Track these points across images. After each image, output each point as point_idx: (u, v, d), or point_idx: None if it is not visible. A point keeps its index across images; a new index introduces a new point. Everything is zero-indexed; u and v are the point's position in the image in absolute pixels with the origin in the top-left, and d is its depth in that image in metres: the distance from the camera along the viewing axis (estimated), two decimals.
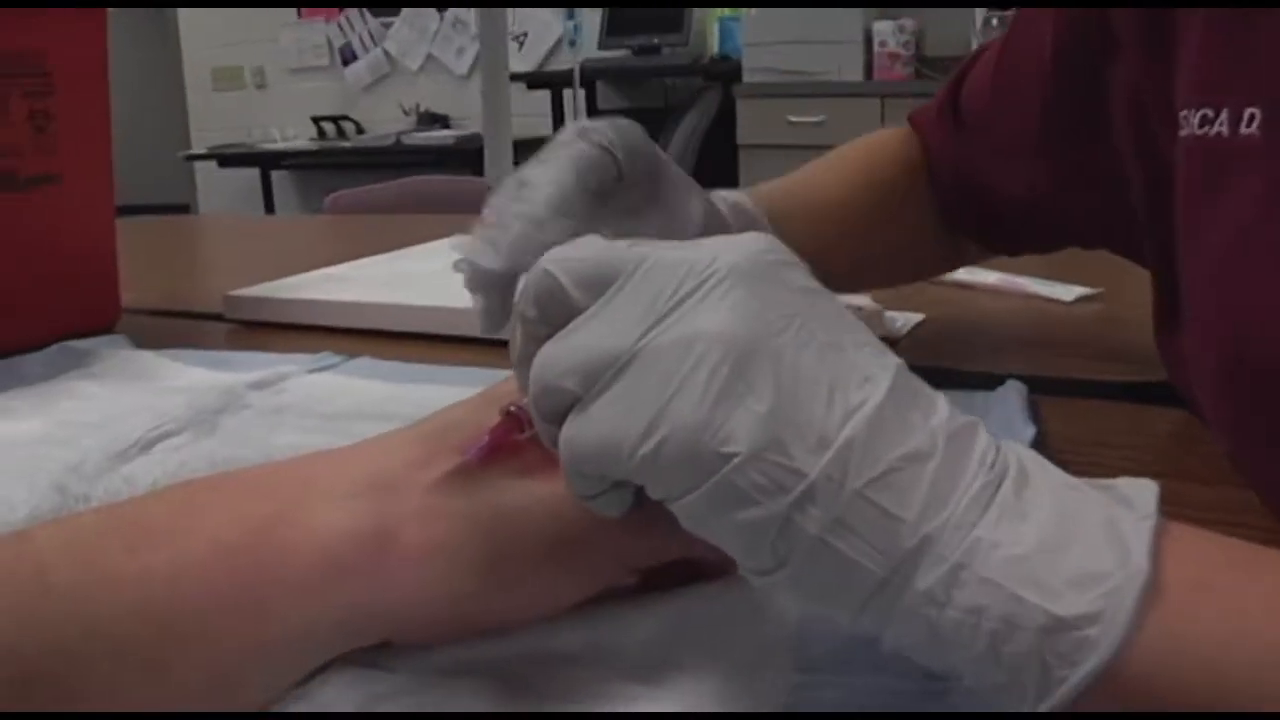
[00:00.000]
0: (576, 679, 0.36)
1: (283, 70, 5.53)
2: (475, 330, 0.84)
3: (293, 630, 0.34)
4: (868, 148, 0.77)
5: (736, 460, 0.30)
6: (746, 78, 4.07)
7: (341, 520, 0.35)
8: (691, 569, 0.39)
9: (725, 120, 4.16)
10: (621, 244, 0.34)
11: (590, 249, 0.34)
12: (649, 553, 0.38)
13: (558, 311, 0.34)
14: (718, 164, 4.00)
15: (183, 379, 0.73)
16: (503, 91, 1.02)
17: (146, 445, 0.58)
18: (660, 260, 0.33)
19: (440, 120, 5.01)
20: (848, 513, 0.30)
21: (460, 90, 5.05)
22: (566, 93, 4.30)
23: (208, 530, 0.34)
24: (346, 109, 5.34)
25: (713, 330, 0.31)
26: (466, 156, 4.41)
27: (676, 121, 4.16)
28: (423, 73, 5.16)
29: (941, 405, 0.32)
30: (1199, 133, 0.47)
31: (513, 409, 0.38)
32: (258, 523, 0.34)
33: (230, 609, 0.33)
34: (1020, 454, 0.32)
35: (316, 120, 5.26)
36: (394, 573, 0.34)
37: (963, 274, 0.98)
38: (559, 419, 0.33)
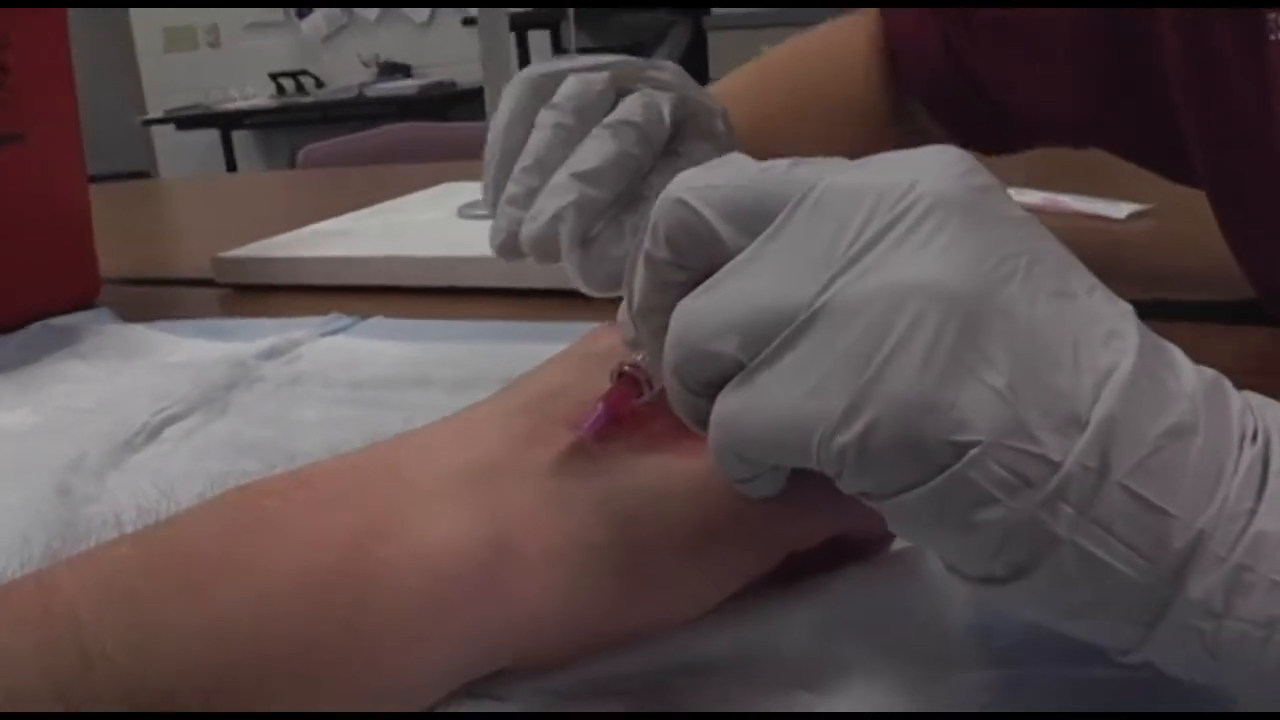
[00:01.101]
0: (730, 690, 0.30)
1: (236, 27, 5.35)
2: (489, 280, 0.79)
3: (403, 675, 0.27)
4: (830, 55, 0.73)
5: (975, 451, 0.23)
6: (716, 9, 3.97)
7: (447, 529, 0.28)
8: (837, 545, 0.33)
9: (696, 55, 4.07)
10: (778, 164, 0.27)
11: (737, 171, 0.27)
12: (803, 536, 0.32)
13: (700, 252, 0.27)
14: None
15: (181, 353, 0.66)
16: (502, 36, 0.94)
17: (153, 432, 0.51)
18: (837, 186, 0.26)
19: (402, 70, 4.88)
20: (1106, 508, 0.23)
21: (421, 38, 4.92)
22: (532, 34, 4.19)
23: (285, 556, 0.27)
24: (305, 63, 5.19)
25: (928, 280, 0.24)
26: (432, 105, 4.30)
27: (646, 59, 4.07)
28: (381, 23, 5.01)
29: (1183, 359, 0.26)
30: None
31: (627, 368, 0.31)
32: (345, 541, 0.28)
33: (324, 659, 0.26)
34: (1258, 407, 0.25)
35: (275, 77, 5.11)
36: (516, 587, 0.28)
37: None
38: (710, 390, 0.27)
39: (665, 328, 0.28)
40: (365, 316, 0.72)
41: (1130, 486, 0.23)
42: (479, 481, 0.29)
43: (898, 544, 0.35)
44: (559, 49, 4.13)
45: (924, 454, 0.23)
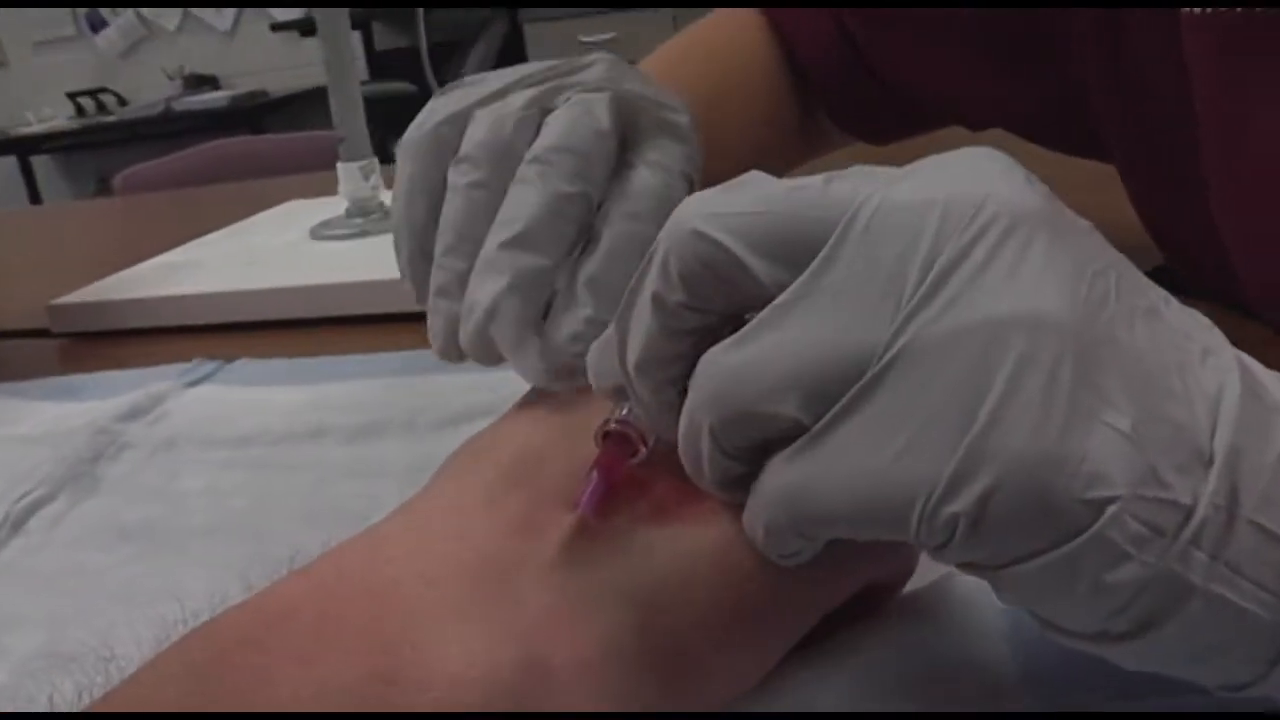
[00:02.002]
0: None
1: (24, 45, 5.04)
2: (370, 307, 0.73)
3: None
4: (722, 49, 0.68)
5: (1114, 508, 0.20)
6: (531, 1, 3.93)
7: (466, 657, 0.23)
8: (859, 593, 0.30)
9: (514, 49, 4.02)
10: (809, 182, 0.23)
11: (762, 193, 0.23)
12: (836, 595, 0.28)
13: (725, 293, 0.23)
14: None
15: (28, 421, 0.58)
16: (343, 39, 0.87)
17: (17, 522, 0.44)
18: (892, 205, 0.22)
19: (209, 82, 4.67)
20: (1237, 549, 0.20)
21: (226, 48, 4.71)
22: (318, 36, 4.06)
23: None
24: (104, 80, 4.91)
25: (1028, 312, 0.20)
26: (245, 117, 4.13)
27: (464, 55, 3.99)
28: (182, 32, 4.77)
29: (1259, 366, 0.23)
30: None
31: (614, 426, 0.27)
32: (351, 691, 0.22)
33: None
34: None
35: (72, 96, 4.83)
36: (548, 707, 0.23)
37: None
38: (753, 455, 0.23)
39: (672, 381, 0.25)
40: (230, 359, 0.65)
41: (1257, 521, 0.21)
42: (487, 588, 0.24)
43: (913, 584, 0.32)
44: (370, 50, 4.01)
45: (1055, 517, 0.20)
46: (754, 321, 0.23)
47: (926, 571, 0.32)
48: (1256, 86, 0.44)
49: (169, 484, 0.48)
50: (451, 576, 0.24)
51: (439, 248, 0.36)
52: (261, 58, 4.55)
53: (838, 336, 0.21)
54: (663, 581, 0.26)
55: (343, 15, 0.86)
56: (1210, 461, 0.20)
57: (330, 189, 1.07)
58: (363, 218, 0.87)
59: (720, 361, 0.23)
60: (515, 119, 0.35)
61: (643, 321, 0.25)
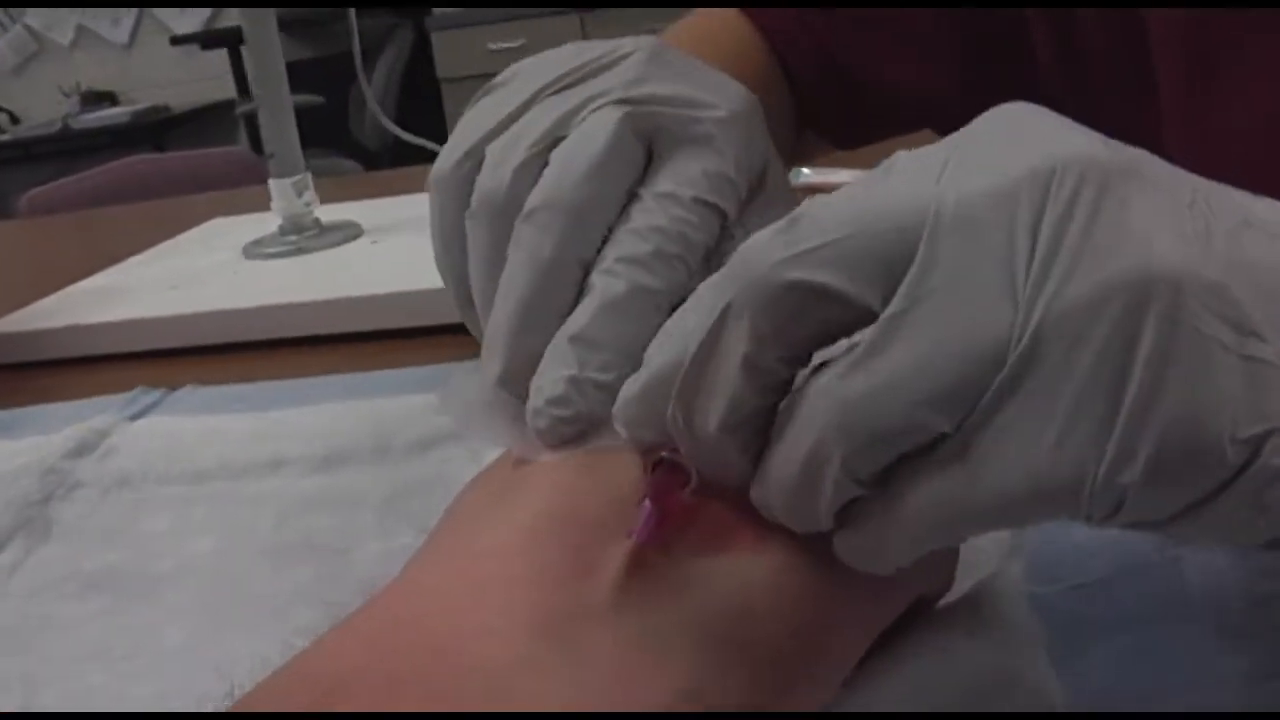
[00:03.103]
0: None
1: None
2: (314, 328, 0.71)
3: None
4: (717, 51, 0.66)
5: (1274, 439, 0.20)
6: (437, 9, 3.88)
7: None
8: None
9: (422, 56, 3.97)
10: (869, 189, 0.22)
11: (833, 217, 0.22)
12: (891, 611, 0.28)
13: (823, 332, 0.22)
14: (421, 103, 3.81)
15: None
16: (273, 52, 0.84)
17: None
18: (970, 195, 0.21)
19: (108, 98, 4.54)
20: None
21: (124, 63, 4.57)
22: (244, 49, 3.97)
23: None
24: None
25: (1150, 267, 0.20)
26: (147, 133, 4.02)
27: (371, 65, 3.93)
28: (77, 47, 4.63)
29: None
30: None
31: (665, 454, 0.26)
32: None
33: None
34: None
35: None
36: None
37: (814, 176, 0.89)
38: (883, 477, 0.22)
39: (759, 432, 0.24)
40: (174, 387, 0.62)
41: None
42: (552, 638, 0.23)
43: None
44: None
45: (1218, 463, 0.20)
46: (866, 343, 0.21)
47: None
48: (1221, 78, 0.44)
49: (130, 526, 0.45)
50: (515, 629, 0.23)
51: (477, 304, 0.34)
52: (162, 72, 4.43)
53: (964, 335, 0.20)
54: (727, 616, 0.24)
55: (271, 26, 0.84)
56: None
57: (252, 205, 1.04)
58: (298, 234, 0.84)
59: (843, 392, 0.21)
60: (514, 169, 0.33)
61: (729, 386, 0.23)
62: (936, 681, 0.28)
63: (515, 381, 0.31)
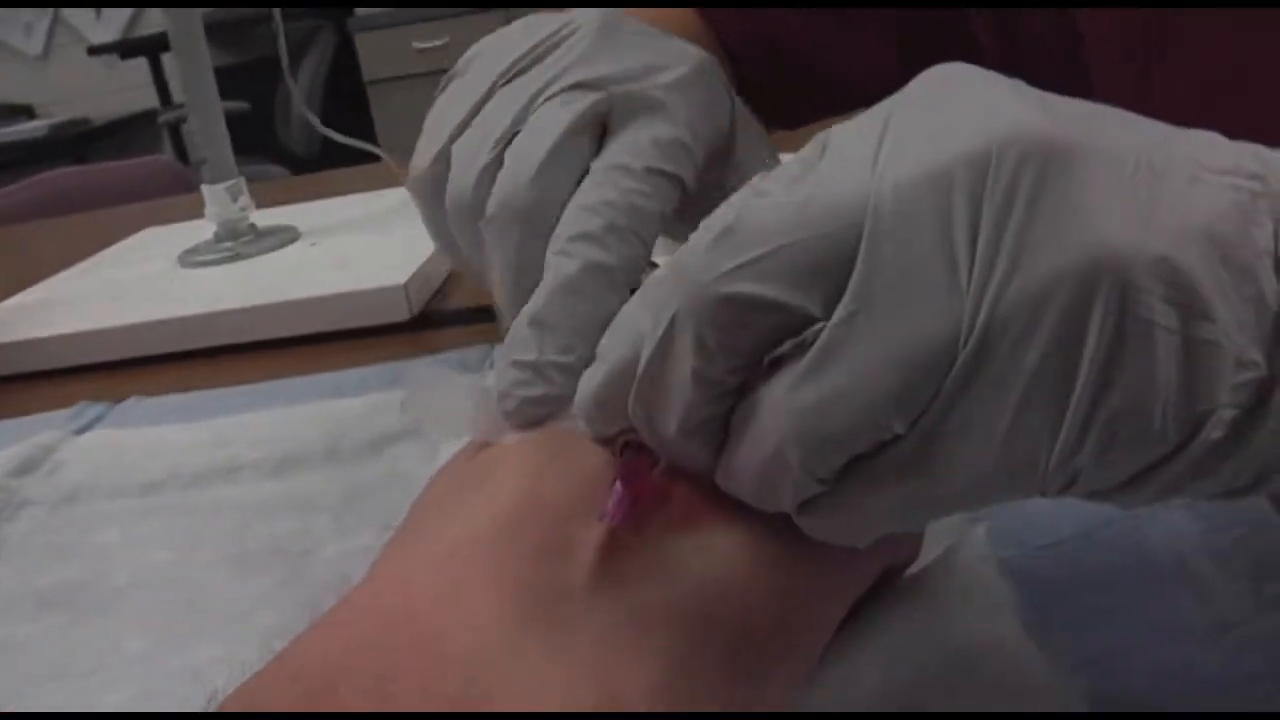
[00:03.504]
0: None
1: None
2: (256, 333, 0.69)
3: None
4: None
5: (1215, 414, 0.20)
6: (360, 10, 3.84)
7: (553, 696, 0.21)
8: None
9: (346, 59, 3.93)
10: (801, 191, 0.22)
11: (766, 225, 0.22)
12: (862, 582, 0.28)
13: (769, 339, 0.22)
14: (348, 105, 3.77)
15: None
16: (201, 58, 0.83)
17: None
18: (902, 191, 0.21)
19: (23, 111, 4.43)
20: None
21: (38, 74, 4.47)
22: (165, 58, 3.90)
23: None
24: None
25: (1100, 249, 0.20)
26: (66, 147, 3.93)
27: (295, 69, 3.88)
28: None
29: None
30: None
31: (632, 436, 0.26)
32: None
33: None
34: None
35: None
36: None
37: None
38: (842, 472, 0.22)
39: (717, 431, 0.24)
40: (118, 400, 0.61)
41: None
42: (536, 624, 0.22)
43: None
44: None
45: (1163, 439, 0.20)
46: (815, 351, 0.21)
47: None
48: (1153, 69, 0.44)
49: (80, 540, 0.44)
50: (496, 617, 0.22)
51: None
52: (79, 83, 4.34)
53: (911, 337, 0.20)
54: (704, 592, 0.24)
55: (198, 28, 0.82)
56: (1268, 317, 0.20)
57: (182, 215, 1.02)
58: (233, 240, 0.83)
59: (795, 403, 0.21)
60: (476, 174, 0.33)
61: (682, 397, 0.23)
62: (911, 650, 0.29)
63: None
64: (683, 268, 0.22)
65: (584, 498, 0.25)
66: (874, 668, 0.28)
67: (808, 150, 0.23)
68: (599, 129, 0.33)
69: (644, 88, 0.33)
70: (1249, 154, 0.21)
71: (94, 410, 0.59)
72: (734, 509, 0.25)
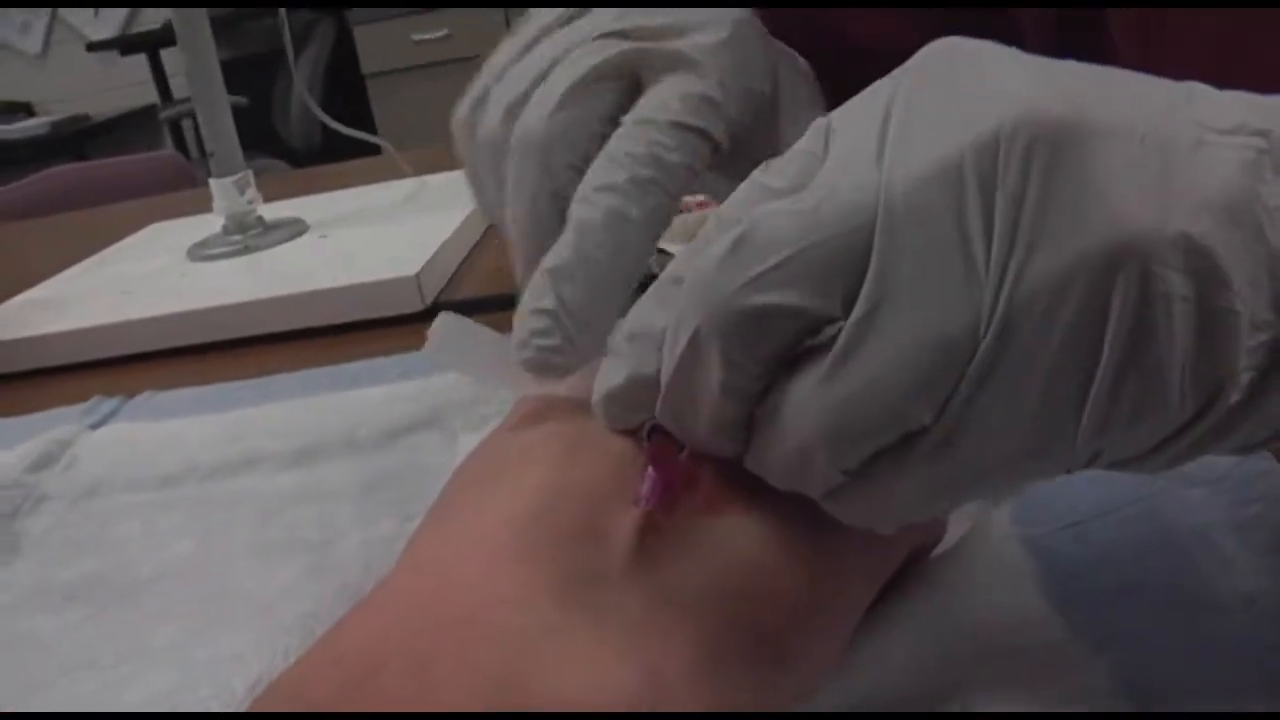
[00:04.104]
0: None
1: None
2: (268, 326, 0.70)
3: None
4: None
5: (1234, 378, 0.21)
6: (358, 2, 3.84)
7: (595, 690, 0.22)
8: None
9: (346, 51, 3.93)
10: (810, 195, 0.22)
11: (778, 230, 0.22)
12: (890, 563, 0.29)
13: (792, 340, 0.22)
14: (348, 98, 3.77)
15: None
16: (207, 52, 0.82)
17: None
18: (913, 184, 0.21)
19: (23, 109, 4.43)
20: None
21: (38, 72, 4.46)
22: (165, 53, 3.90)
23: None
24: None
25: (1117, 231, 0.20)
26: (68, 144, 3.93)
27: (295, 62, 3.88)
28: None
29: None
30: None
31: (657, 422, 0.26)
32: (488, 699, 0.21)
33: None
34: None
35: None
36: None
37: None
38: (868, 461, 0.22)
39: (745, 425, 0.24)
40: (131, 394, 0.61)
41: None
42: (575, 604, 0.23)
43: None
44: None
45: (1182, 408, 0.21)
46: (838, 348, 0.21)
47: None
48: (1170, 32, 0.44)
49: (101, 534, 0.44)
50: (535, 598, 0.23)
51: None
52: (78, 81, 4.34)
53: (932, 329, 0.20)
54: (739, 572, 0.25)
55: (203, 22, 0.82)
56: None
57: (186, 209, 1.02)
58: (242, 234, 0.83)
59: (821, 401, 0.22)
60: (503, 110, 0.34)
61: (710, 404, 0.23)
62: (939, 629, 0.29)
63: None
64: (700, 278, 0.22)
65: (612, 482, 0.25)
66: (902, 648, 0.28)
67: (808, 140, 0.23)
68: (631, 82, 0.33)
69: (677, 45, 0.33)
70: (1252, 108, 0.22)
71: (108, 405, 0.60)
72: (761, 491, 0.25)
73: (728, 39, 0.34)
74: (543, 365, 0.29)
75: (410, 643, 0.22)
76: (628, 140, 0.32)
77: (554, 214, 0.32)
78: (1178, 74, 0.23)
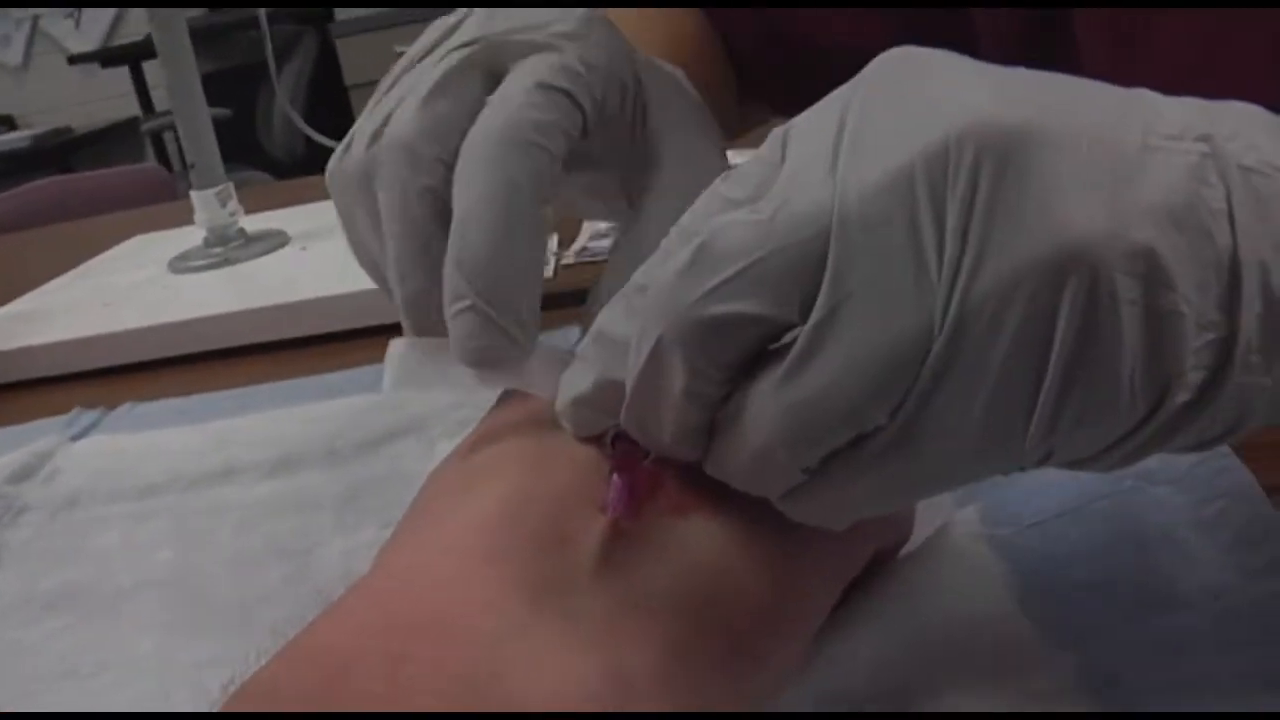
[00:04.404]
0: None
1: None
2: (247, 337, 0.70)
3: None
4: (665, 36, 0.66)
5: (1181, 377, 0.21)
6: (340, 15, 3.84)
7: (561, 683, 0.22)
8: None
9: (328, 63, 3.93)
10: (765, 207, 0.22)
11: (736, 243, 0.22)
12: (856, 564, 0.29)
13: (753, 346, 0.23)
14: (331, 110, 3.77)
15: None
16: (187, 64, 0.83)
17: None
18: (866, 195, 0.21)
19: (4, 122, 4.42)
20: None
21: (18, 85, 4.45)
22: (147, 65, 3.90)
23: None
24: None
25: (1063, 236, 0.20)
26: (51, 157, 3.92)
27: (277, 74, 3.88)
28: None
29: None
30: None
31: (622, 429, 0.26)
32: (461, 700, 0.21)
33: None
34: None
35: None
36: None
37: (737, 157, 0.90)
38: (825, 460, 0.23)
39: (706, 431, 0.25)
40: (112, 406, 0.61)
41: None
42: (544, 606, 0.23)
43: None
44: None
45: (1132, 409, 0.21)
46: (795, 353, 0.22)
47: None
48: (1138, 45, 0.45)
49: (83, 544, 0.44)
50: (504, 600, 0.23)
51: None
52: (60, 93, 4.33)
53: (886, 335, 0.21)
54: (704, 574, 0.25)
55: (183, 32, 0.82)
56: (1222, 274, 0.21)
57: (169, 221, 1.02)
58: (223, 246, 0.83)
59: (781, 402, 0.22)
60: (365, 145, 0.33)
61: (673, 411, 0.24)
62: (905, 627, 0.29)
63: (417, 322, 0.32)
64: (662, 289, 0.23)
65: (579, 489, 0.26)
66: (868, 646, 0.28)
67: (766, 149, 0.24)
68: (493, 75, 0.33)
69: (533, 36, 0.33)
70: (1198, 113, 0.22)
71: (89, 417, 0.60)
72: (724, 494, 0.26)
73: (580, 27, 0.34)
74: (491, 361, 0.29)
75: (380, 643, 0.22)
76: (493, 112, 0.31)
77: (428, 214, 0.31)
78: (1146, 76, 0.24)
